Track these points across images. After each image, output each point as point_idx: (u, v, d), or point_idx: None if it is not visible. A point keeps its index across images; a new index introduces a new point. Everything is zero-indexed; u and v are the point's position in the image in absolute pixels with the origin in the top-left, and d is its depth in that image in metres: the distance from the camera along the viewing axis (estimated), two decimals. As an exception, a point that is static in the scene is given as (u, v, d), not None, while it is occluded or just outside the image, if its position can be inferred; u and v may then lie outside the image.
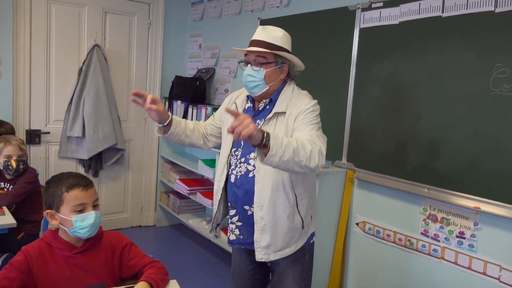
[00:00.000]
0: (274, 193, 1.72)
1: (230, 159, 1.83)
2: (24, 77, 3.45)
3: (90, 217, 1.43)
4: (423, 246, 2.27)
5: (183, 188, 3.72)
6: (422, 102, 2.21)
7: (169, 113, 1.78)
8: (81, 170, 3.81)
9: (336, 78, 2.65)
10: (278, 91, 1.79)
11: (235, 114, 1.40)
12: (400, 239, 2.38)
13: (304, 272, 1.90)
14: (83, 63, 3.62)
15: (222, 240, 3.30)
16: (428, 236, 2.25)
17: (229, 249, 3.19)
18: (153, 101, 1.64)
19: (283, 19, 3.01)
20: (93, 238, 1.49)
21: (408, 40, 2.27)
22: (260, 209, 1.73)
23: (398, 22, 2.31)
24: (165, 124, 1.75)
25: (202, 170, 3.44)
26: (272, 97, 1.78)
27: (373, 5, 2.43)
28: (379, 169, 2.44)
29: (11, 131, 2.90)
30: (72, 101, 3.61)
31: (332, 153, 2.63)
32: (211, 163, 3.32)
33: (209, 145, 2.00)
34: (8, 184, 2.46)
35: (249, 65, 1.75)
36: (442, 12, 2.11)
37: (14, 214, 2.22)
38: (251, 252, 1.87)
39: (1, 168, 2.40)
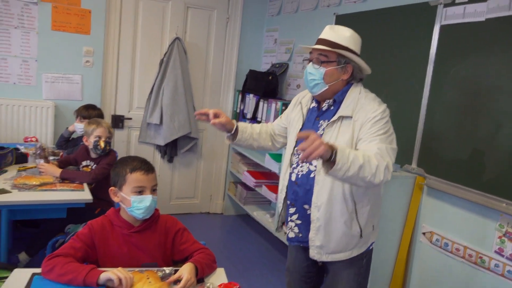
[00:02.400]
0: (331, 196, 1.70)
1: (292, 158, 1.84)
2: (112, 67, 3.76)
3: (146, 200, 1.53)
4: (496, 265, 2.07)
5: (250, 180, 3.79)
6: (506, 108, 2.00)
7: (234, 121, 1.88)
8: (157, 155, 4.07)
9: (411, 77, 2.50)
10: (342, 92, 1.74)
11: (305, 136, 1.40)
12: (470, 255, 2.19)
13: (359, 276, 1.85)
14: (165, 55, 3.85)
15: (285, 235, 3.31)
16: (503, 256, 2.04)
17: (289, 244, 3.20)
18: (216, 115, 1.78)
19: (359, 15, 2.91)
20: (150, 219, 1.59)
21: (494, 39, 2.06)
22: (317, 210, 1.72)
23: (484, 19, 2.11)
24: (232, 132, 1.87)
25: (269, 164, 3.47)
26: (335, 98, 1.74)
27: (456, 1, 2.24)
28: (452, 177, 2.26)
29: (97, 117, 3.13)
30: (153, 90, 3.85)
31: (402, 157, 2.49)
32: (278, 157, 3.34)
33: (277, 146, 2.06)
34: (93, 163, 2.71)
35: (310, 63, 1.74)
36: (537, 7, 1.88)
37: (94, 192, 2.45)
38: (307, 250, 1.86)
39: (90, 147, 2.66)
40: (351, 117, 1.68)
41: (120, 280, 1.32)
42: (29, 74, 3.40)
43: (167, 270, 1.48)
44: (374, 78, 2.71)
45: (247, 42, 4.23)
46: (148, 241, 1.57)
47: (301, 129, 1.83)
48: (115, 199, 1.58)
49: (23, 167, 2.67)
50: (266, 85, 3.75)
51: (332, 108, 1.76)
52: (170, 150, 4.04)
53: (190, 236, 1.65)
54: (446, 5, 2.30)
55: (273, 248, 3.72)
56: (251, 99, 3.89)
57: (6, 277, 1.96)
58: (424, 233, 2.46)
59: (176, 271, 1.46)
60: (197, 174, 4.32)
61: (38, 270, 1.42)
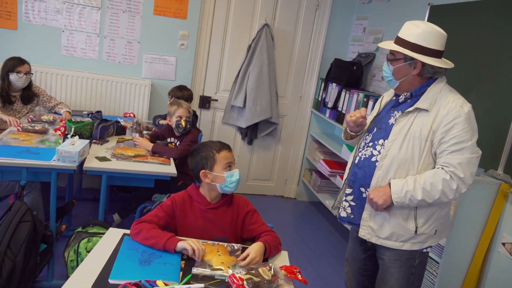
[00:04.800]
0: None
1: (361, 142, 1.91)
2: (203, 50, 4.00)
3: (236, 173, 1.72)
4: None
5: (325, 169, 3.83)
6: None
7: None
8: (238, 137, 4.28)
9: (506, 75, 2.33)
10: (421, 87, 1.76)
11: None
12: (554, 274, 2.04)
13: (411, 276, 1.86)
14: (253, 40, 3.98)
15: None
16: None
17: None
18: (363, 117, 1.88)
19: (455, 6, 2.74)
20: (225, 199, 1.74)
21: None
22: None
23: None
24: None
25: (346, 154, 3.47)
26: (413, 92, 1.78)
27: None
28: (543, 188, 2.09)
29: (188, 97, 3.39)
30: (239, 74, 4.03)
31: (487, 161, 2.36)
32: (355, 149, 3.32)
33: None
34: (176, 140, 2.97)
35: (386, 60, 1.82)
36: None
37: (177, 166, 2.69)
38: (364, 243, 1.92)
39: (173, 126, 2.91)
40: (427, 110, 1.70)
41: (193, 250, 1.49)
42: (132, 55, 3.77)
43: (236, 246, 1.62)
44: (465, 75, 2.57)
45: (335, 30, 4.19)
46: (222, 218, 1.72)
47: (375, 117, 1.91)
48: (206, 180, 1.72)
49: (121, 138, 3.02)
50: (349, 75, 3.72)
51: (408, 101, 1.80)
52: (250, 133, 4.21)
53: (259, 217, 1.77)
54: (556, 0, 2.09)
55: (343, 238, 3.74)
56: (333, 88, 3.88)
57: (103, 233, 2.28)
58: (503, 244, 2.32)
59: (244, 248, 1.60)
60: (274, 158, 4.45)
61: (128, 231, 1.66)
